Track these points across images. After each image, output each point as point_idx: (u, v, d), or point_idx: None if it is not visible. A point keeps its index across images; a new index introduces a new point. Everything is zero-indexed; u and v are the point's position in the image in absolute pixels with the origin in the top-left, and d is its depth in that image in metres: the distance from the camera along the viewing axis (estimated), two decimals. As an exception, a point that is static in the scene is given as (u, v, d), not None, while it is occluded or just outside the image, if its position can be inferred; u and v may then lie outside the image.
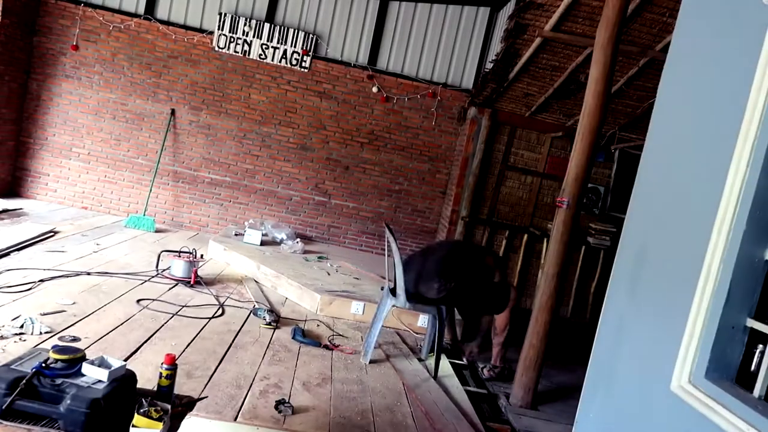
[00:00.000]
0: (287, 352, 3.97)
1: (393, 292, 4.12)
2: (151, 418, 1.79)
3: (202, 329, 4.06)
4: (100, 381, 1.89)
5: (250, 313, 4.60)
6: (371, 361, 4.05)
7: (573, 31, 4.97)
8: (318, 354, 4.03)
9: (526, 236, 7.19)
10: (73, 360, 1.92)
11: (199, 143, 7.58)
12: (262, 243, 6.71)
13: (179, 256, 5.14)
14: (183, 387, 3.04)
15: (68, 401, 1.79)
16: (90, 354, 2.06)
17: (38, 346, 2.69)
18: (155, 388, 2.09)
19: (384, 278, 6.14)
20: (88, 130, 7.44)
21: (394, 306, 4.10)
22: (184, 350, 3.62)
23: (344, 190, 7.80)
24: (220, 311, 4.52)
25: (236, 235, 6.94)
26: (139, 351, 3.46)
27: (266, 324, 4.38)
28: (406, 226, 7.88)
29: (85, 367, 1.92)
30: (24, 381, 1.81)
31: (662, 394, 1.92)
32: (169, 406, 1.91)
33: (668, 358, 1.95)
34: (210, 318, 4.31)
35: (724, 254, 1.76)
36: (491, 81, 6.21)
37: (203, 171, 7.63)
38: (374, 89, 7.57)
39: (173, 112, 7.48)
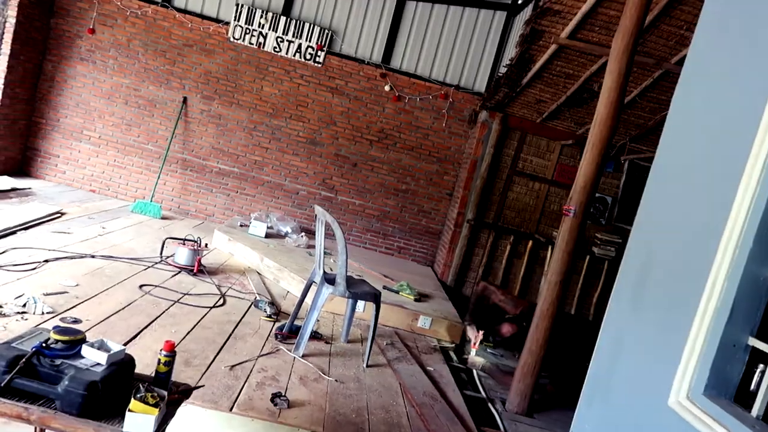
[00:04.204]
0: (286, 346, 3.97)
1: (329, 280, 3.95)
2: (147, 403, 1.79)
3: (202, 318, 4.07)
4: (98, 364, 1.90)
5: (251, 305, 4.61)
6: (370, 366, 3.99)
7: (589, 40, 4.95)
8: (317, 349, 4.04)
9: (530, 243, 7.17)
10: (73, 341, 1.93)
11: (210, 132, 7.60)
12: (267, 235, 6.72)
13: (183, 244, 5.15)
14: (181, 375, 3.05)
15: (66, 382, 1.80)
16: (90, 337, 2.07)
17: (39, 326, 2.71)
18: (153, 374, 2.09)
19: (387, 276, 6.15)
20: (100, 113, 7.47)
21: (331, 294, 3.90)
22: (183, 338, 3.63)
23: (351, 187, 7.80)
24: (221, 301, 4.53)
25: (241, 225, 6.95)
26: (139, 336, 3.48)
27: (267, 316, 4.39)
28: (411, 226, 7.88)
29: (85, 350, 1.93)
30: (23, 360, 1.82)
31: (660, 410, 1.91)
32: (165, 393, 1.91)
33: (667, 374, 1.94)
34: (211, 307, 4.32)
35: (729, 272, 1.75)
36: (504, 85, 6.20)
37: (212, 160, 7.65)
38: (386, 88, 7.56)
39: (185, 100, 7.50)
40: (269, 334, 4.10)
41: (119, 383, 1.92)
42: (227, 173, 7.69)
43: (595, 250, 7.14)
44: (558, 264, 3.85)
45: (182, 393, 2.09)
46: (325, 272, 3.98)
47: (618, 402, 2.27)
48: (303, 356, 3.80)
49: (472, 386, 4.33)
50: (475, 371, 4.57)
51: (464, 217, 7.20)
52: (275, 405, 3.01)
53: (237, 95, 7.55)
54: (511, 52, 6.56)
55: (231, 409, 2.89)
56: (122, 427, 1.80)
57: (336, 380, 3.59)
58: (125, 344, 3.21)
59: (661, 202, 2.33)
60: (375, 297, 3.97)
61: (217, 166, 7.67)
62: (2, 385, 1.77)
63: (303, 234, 7.03)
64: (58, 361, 1.87)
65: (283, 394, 3.13)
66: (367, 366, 3.95)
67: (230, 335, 3.90)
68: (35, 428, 2.02)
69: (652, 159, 2.44)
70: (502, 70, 6.50)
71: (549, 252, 7.00)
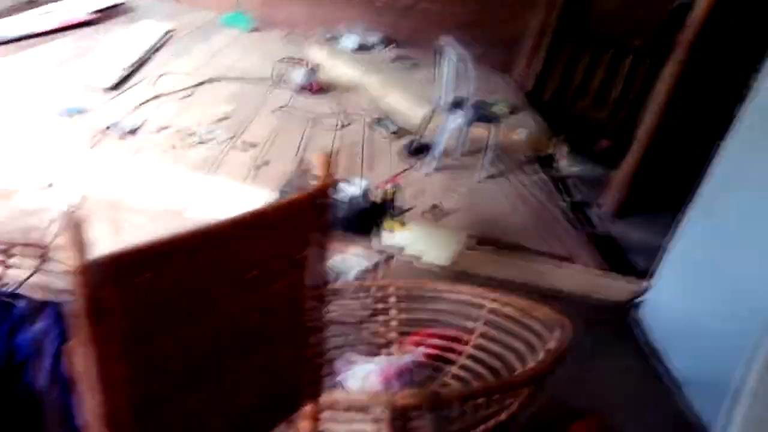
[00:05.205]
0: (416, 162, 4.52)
1: (456, 105, 4.37)
2: (402, 223, 2.47)
3: (336, 139, 4.61)
4: (354, 196, 2.54)
5: (369, 123, 5.07)
6: (489, 176, 4.58)
7: None
8: (441, 164, 4.59)
9: (612, 50, 7.21)
10: (335, 182, 2.56)
11: (288, -64, 7.40)
12: (357, 49, 6.94)
13: (298, 64, 5.53)
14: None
15: (338, 212, 2.46)
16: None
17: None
18: (380, 201, 2.73)
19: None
20: None
21: (461, 119, 4.37)
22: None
23: (432, -7, 7.72)
24: (345, 121, 5.02)
25: (329, 39, 7.14)
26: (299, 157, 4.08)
27: (389, 133, 4.91)
28: (491, 32, 7.89)
29: (343, 186, 2.56)
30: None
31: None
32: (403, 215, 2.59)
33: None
34: (342, 126, 4.85)
35: None
36: None
37: (292, -34, 7.56)
38: None
39: None
40: (396, 152, 4.65)
41: (369, 208, 2.59)
42: (308, -20, 7.64)
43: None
44: (664, 91, 4.21)
45: (402, 212, 2.77)
46: (453, 97, 4.40)
47: (724, 228, 2.78)
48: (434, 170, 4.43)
49: (568, 192, 4.99)
50: (569, 179, 5.20)
51: (549, 25, 7.22)
52: (434, 212, 3.68)
53: None
54: None
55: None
56: (378, 241, 2.51)
57: (466, 190, 4.24)
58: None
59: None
60: (497, 120, 4.51)
61: (298, -27, 7.60)
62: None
63: (390, 45, 7.21)
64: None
65: (436, 204, 3.79)
66: (486, 177, 4.58)
67: (364, 154, 4.46)
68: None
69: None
70: None
71: (628, 62, 7.13)
